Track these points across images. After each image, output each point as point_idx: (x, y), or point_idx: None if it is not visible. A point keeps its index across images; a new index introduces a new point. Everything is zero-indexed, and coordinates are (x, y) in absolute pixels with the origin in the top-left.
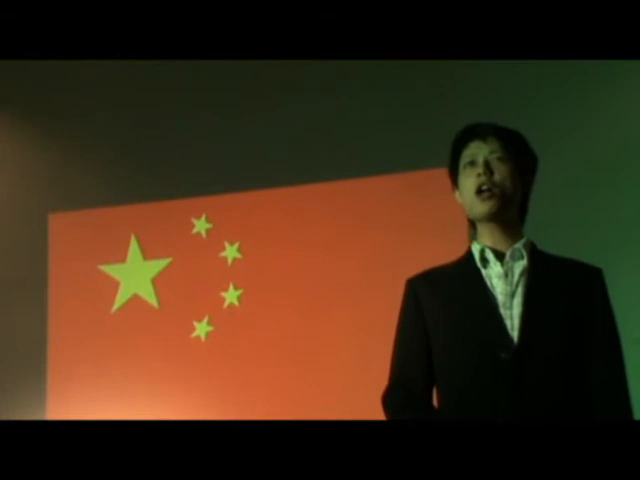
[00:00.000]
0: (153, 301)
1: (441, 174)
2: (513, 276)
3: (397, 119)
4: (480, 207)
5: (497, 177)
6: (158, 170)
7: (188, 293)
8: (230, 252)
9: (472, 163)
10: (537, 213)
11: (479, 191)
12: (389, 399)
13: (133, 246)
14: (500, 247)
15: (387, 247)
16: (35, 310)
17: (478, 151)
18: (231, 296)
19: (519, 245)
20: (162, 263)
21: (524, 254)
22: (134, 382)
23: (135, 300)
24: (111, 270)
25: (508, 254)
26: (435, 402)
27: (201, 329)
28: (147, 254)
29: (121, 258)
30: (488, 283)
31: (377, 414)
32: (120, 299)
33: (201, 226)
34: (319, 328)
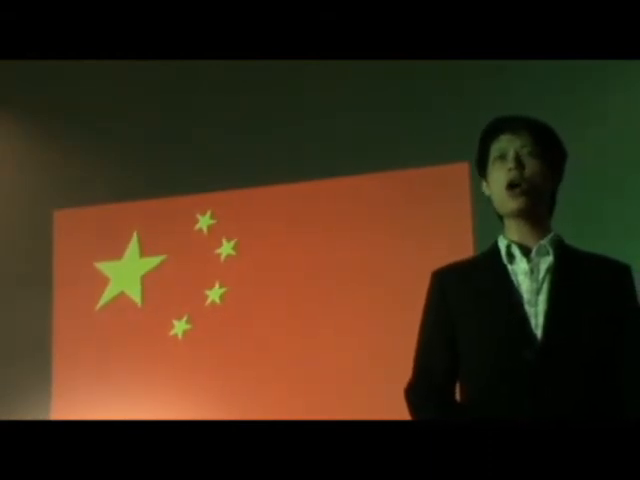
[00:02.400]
0: (137, 299)
1: (441, 171)
2: (539, 273)
3: (396, 118)
4: (510, 203)
5: (528, 172)
6: (167, 167)
7: (173, 291)
8: (225, 249)
9: (502, 157)
10: None
11: (510, 186)
12: (412, 393)
13: (133, 243)
14: (527, 242)
15: (388, 245)
16: (40, 307)
17: (509, 145)
18: (214, 294)
19: (545, 241)
20: (155, 260)
21: (550, 250)
22: (119, 380)
23: (121, 298)
24: (105, 267)
25: (534, 250)
26: (458, 396)
27: (179, 327)
28: (146, 251)
29: (122, 255)
30: (514, 279)
31: (362, 413)
32: (106, 297)
33: (204, 222)
34: (298, 328)
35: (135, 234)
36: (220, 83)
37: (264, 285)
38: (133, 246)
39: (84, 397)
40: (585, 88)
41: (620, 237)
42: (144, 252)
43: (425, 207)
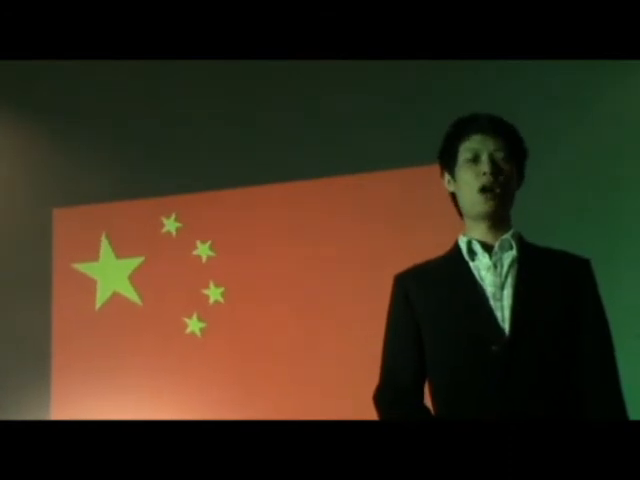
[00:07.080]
0: (135, 299)
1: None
2: (502, 267)
3: (393, 117)
4: (481, 206)
5: (502, 178)
6: (133, 169)
7: (169, 290)
8: (203, 250)
9: (475, 159)
10: (537, 212)
11: (482, 190)
12: (380, 397)
13: (104, 244)
14: (488, 239)
15: (361, 244)
16: (39, 306)
17: (482, 147)
18: (214, 293)
19: (508, 236)
20: (135, 261)
21: (513, 245)
22: (132, 379)
23: (117, 298)
24: (85, 268)
25: (497, 245)
26: (427, 397)
27: (194, 325)
28: (118, 253)
29: (94, 257)
30: (477, 275)
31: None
32: (101, 297)
33: (171, 225)
34: (311, 323)
35: (104, 235)
36: (187, 86)
37: (262, 283)
38: (105, 247)
39: (84, 397)
40: (587, 87)
41: (621, 237)
42: (117, 254)
43: (423, 205)
